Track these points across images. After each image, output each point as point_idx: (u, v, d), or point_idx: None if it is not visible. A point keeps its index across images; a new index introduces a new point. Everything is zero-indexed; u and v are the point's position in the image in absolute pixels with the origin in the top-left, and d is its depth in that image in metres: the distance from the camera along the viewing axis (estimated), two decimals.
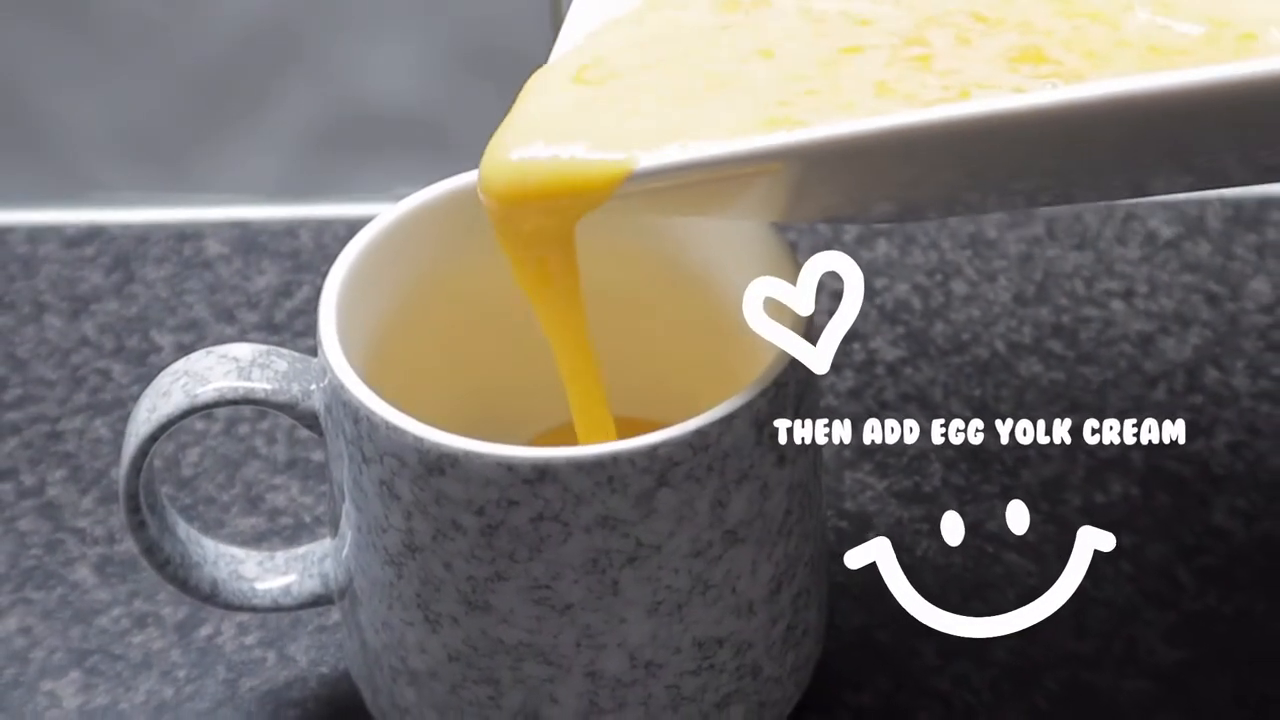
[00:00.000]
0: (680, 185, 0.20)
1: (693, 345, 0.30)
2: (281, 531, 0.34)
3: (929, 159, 0.18)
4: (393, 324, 0.28)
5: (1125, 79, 0.16)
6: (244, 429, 0.36)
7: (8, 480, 0.35)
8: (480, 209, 0.25)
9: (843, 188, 0.21)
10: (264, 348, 0.26)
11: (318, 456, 0.35)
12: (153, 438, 0.25)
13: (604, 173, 0.19)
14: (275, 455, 0.35)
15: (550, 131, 0.20)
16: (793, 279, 0.25)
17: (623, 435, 0.30)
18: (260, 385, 0.25)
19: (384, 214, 0.27)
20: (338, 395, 0.24)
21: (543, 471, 0.22)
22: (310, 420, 0.25)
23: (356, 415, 0.23)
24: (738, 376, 0.29)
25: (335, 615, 0.32)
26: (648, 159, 0.19)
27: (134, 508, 0.26)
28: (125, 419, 0.37)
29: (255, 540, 0.34)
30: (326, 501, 0.34)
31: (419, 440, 0.23)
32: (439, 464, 0.23)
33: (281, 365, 0.26)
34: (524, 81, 0.27)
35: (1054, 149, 0.18)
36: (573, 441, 0.24)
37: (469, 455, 0.23)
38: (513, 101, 0.22)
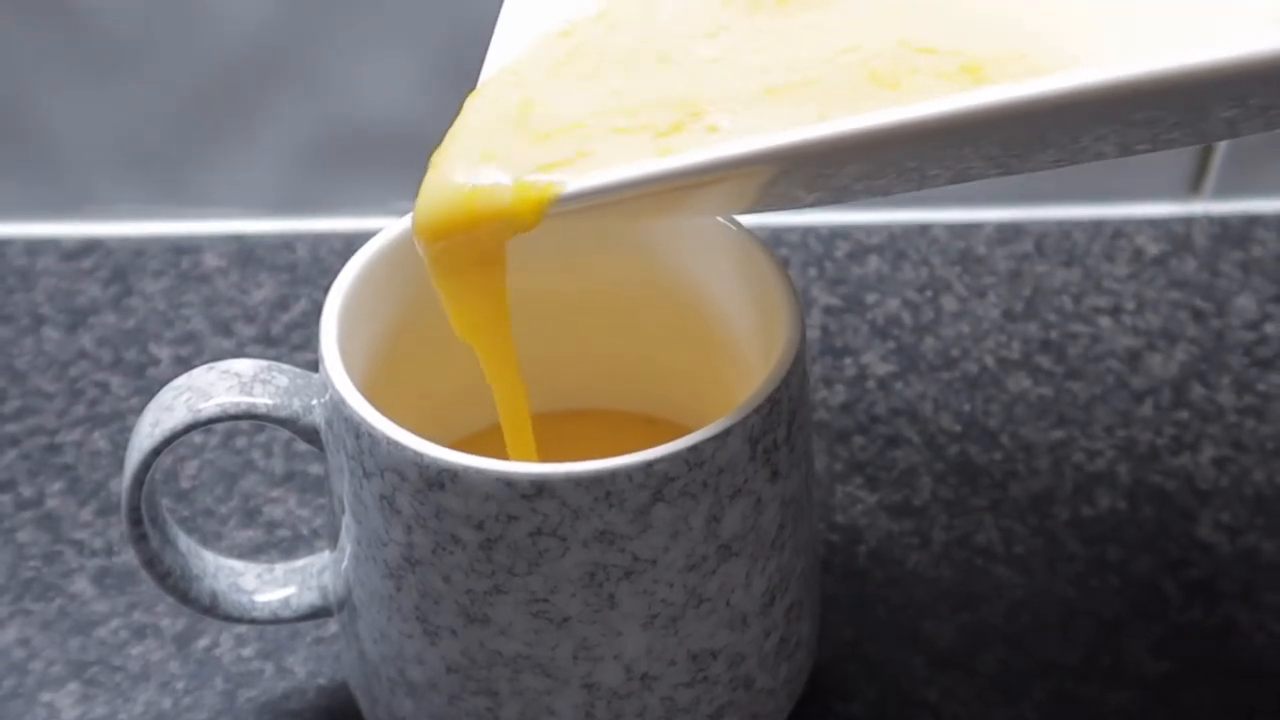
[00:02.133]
0: (612, 203, 0.20)
1: (685, 351, 0.30)
2: (279, 544, 0.34)
3: (853, 162, 0.19)
4: (393, 339, 0.28)
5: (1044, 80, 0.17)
6: (242, 442, 0.36)
7: (7, 492, 0.35)
8: None
9: (760, 192, 0.21)
10: (265, 363, 0.26)
11: (315, 469, 0.36)
12: (156, 452, 0.26)
13: (529, 200, 0.20)
14: (273, 468, 0.36)
15: (475, 159, 0.21)
16: (782, 294, 0.26)
17: (620, 431, 0.31)
18: (262, 400, 0.26)
19: (383, 231, 0.27)
20: (339, 411, 0.24)
21: (541, 487, 0.23)
22: (311, 435, 0.26)
23: (357, 431, 0.24)
24: (728, 381, 0.29)
25: (333, 627, 0.32)
26: (573, 183, 0.20)
27: (136, 520, 0.27)
28: (123, 431, 0.37)
29: (253, 552, 0.34)
30: (325, 514, 0.34)
31: (419, 455, 0.23)
32: (439, 479, 0.23)
33: (283, 380, 0.26)
34: None
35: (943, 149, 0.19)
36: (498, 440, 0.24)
37: (468, 470, 0.23)
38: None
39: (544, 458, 0.26)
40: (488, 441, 0.31)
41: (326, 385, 0.25)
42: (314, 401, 0.26)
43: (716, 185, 0.20)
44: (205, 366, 0.26)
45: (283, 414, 0.26)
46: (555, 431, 0.26)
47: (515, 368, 0.24)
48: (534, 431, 0.28)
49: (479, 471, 0.23)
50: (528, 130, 0.22)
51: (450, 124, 0.41)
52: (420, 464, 0.23)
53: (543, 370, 0.26)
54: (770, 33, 0.22)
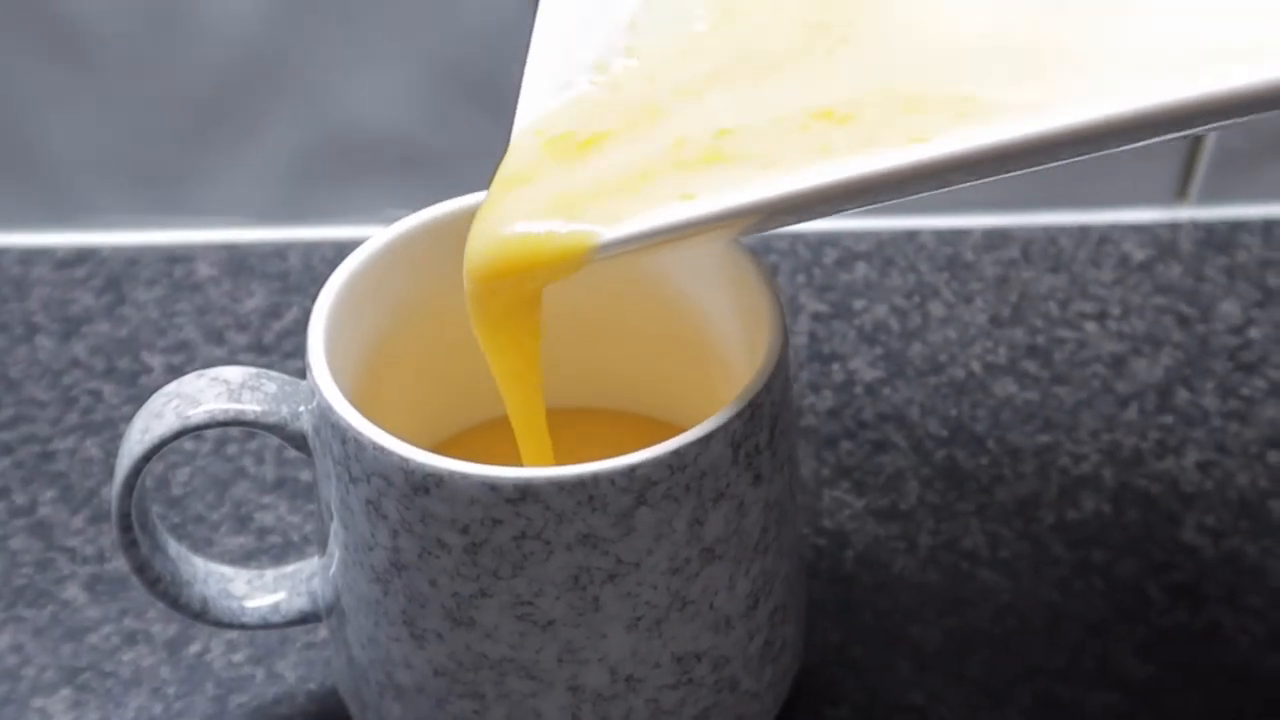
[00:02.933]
0: (648, 247, 0.22)
1: (673, 354, 0.31)
2: (270, 550, 0.34)
3: (852, 201, 0.21)
4: (380, 344, 0.28)
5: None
6: (233, 449, 0.37)
7: (0, 499, 0.36)
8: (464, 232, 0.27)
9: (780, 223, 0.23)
10: (254, 370, 0.26)
11: (305, 476, 0.36)
12: (145, 458, 0.26)
13: (571, 248, 0.21)
14: (263, 475, 0.36)
15: (522, 210, 0.22)
16: (765, 300, 0.26)
17: (607, 429, 0.31)
18: (250, 407, 0.26)
19: (371, 239, 0.28)
20: (326, 417, 0.25)
21: (525, 491, 0.23)
22: (299, 441, 0.26)
23: (344, 436, 0.24)
24: (715, 385, 0.30)
25: (322, 632, 0.32)
26: (609, 232, 0.21)
27: (126, 526, 0.27)
28: (116, 439, 0.37)
29: (244, 559, 0.34)
30: (314, 520, 0.35)
31: (405, 461, 0.23)
32: (424, 484, 0.23)
33: (271, 387, 0.26)
34: (507, 105, 0.28)
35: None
36: (492, 435, 0.25)
37: (453, 475, 0.23)
38: (495, 137, 0.24)
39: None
40: (474, 440, 0.31)
41: (314, 391, 0.25)
42: (301, 408, 0.26)
43: (737, 223, 0.21)
44: (195, 374, 0.26)
45: (271, 420, 0.26)
46: (563, 424, 0.27)
47: (540, 395, 0.25)
48: (470, 438, 0.29)
49: (464, 476, 0.23)
50: (566, 180, 0.23)
51: (442, 130, 0.42)
52: (406, 469, 0.23)
53: (557, 366, 0.27)
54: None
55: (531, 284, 0.22)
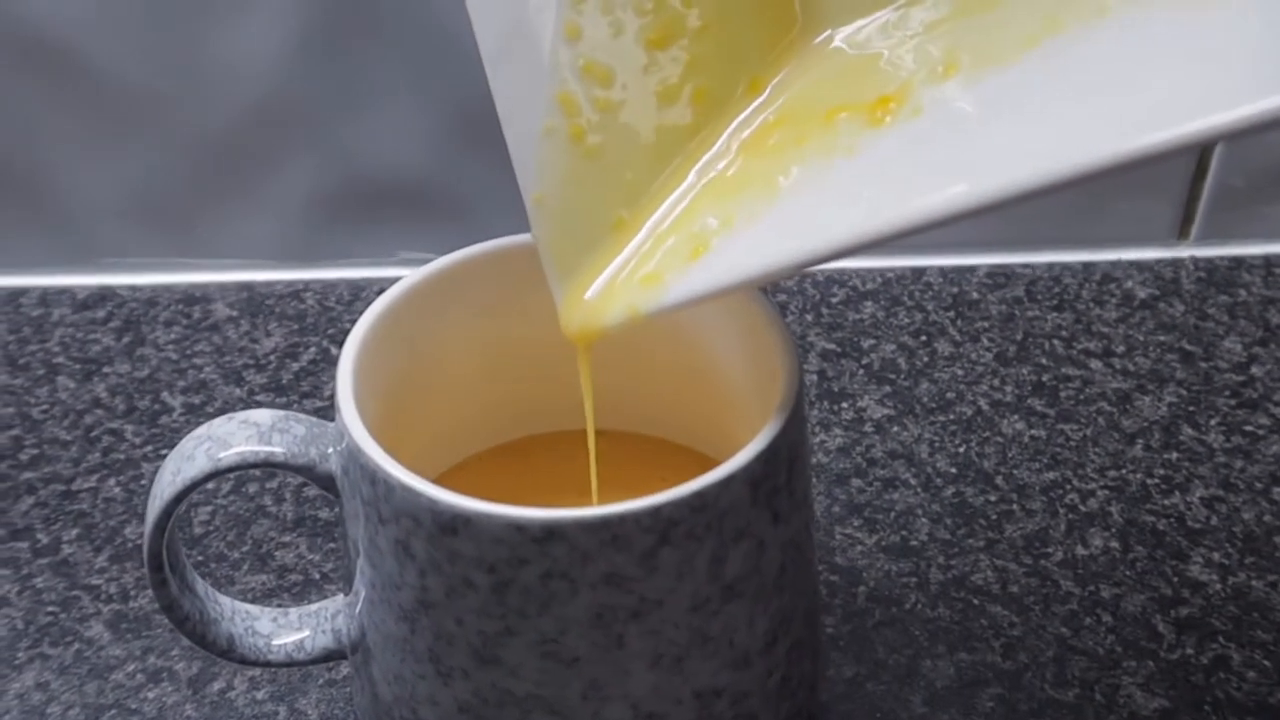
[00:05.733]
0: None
1: (693, 389, 0.31)
2: (290, 588, 0.35)
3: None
4: (400, 384, 0.29)
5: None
6: (253, 488, 0.37)
7: (24, 539, 0.36)
8: (488, 276, 0.29)
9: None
10: (282, 413, 0.27)
11: (325, 514, 0.36)
12: (177, 499, 0.26)
13: (623, 319, 0.25)
14: (283, 514, 0.37)
15: (586, 287, 0.26)
16: (780, 344, 0.27)
17: (622, 449, 0.32)
18: (280, 449, 0.26)
19: (393, 286, 0.28)
20: (355, 459, 0.25)
21: (551, 531, 0.24)
22: (327, 482, 0.27)
23: (374, 478, 0.25)
24: (732, 421, 0.30)
25: (344, 669, 0.33)
26: (651, 303, 0.25)
27: (157, 566, 0.27)
28: (137, 479, 0.38)
29: (265, 596, 0.35)
30: (339, 559, 0.35)
31: (433, 502, 0.24)
32: (452, 524, 0.24)
33: (300, 429, 0.27)
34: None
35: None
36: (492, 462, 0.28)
37: (480, 516, 0.24)
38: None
39: (554, 469, 0.30)
40: (483, 465, 0.32)
41: (343, 434, 0.26)
42: (330, 450, 0.27)
43: (768, 280, 0.24)
44: (224, 417, 0.27)
45: (300, 462, 0.26)
46: (570, 447, 0.29)
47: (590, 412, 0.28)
48: (562, 444, 0.32)
49: (490, 517, 0.24)
50: (612, 255, 0.26)
51: (455, 174, 0.42)
52: (434, 510, 0.24)
53: (563, 394, 0.29)
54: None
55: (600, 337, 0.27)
